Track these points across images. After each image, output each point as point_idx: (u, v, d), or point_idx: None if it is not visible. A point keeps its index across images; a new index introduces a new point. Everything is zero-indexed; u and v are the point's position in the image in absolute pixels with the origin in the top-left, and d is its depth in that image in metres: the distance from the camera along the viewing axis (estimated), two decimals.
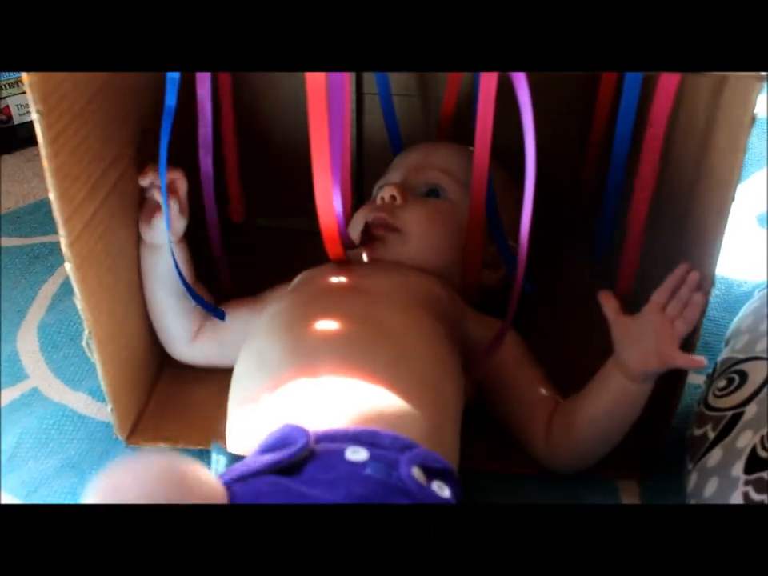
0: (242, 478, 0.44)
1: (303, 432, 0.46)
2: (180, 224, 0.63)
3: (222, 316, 0.66)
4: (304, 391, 0.50)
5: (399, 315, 0.56)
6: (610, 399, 0.57)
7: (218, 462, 0.49)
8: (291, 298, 0.60)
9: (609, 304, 0.56)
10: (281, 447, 0.46)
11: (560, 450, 0.59)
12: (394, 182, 0.68)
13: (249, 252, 0.80)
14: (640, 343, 0.54)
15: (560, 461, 0.60)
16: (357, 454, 0.45)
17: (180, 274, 0.63)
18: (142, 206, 0.62)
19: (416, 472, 0.45)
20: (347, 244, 0.60)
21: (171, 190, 0.61)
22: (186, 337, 0.66)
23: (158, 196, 0.61)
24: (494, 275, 0.68)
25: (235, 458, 0.49)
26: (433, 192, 0.67)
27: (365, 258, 0.64)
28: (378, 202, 0.66)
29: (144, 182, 0.61)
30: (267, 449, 0.46)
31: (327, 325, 0.54)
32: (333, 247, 0.59)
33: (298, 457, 0.45)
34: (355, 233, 0.65)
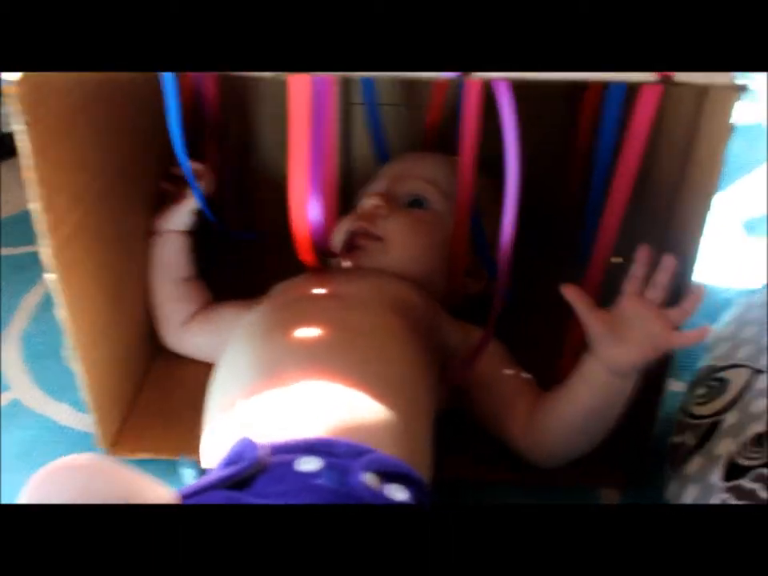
0: (196, 493, 0.45)
1: (253, 446, 0.46)
2: (189, 217, 0.68)
3: (253, 236, 0.73)
4: (271, 400, 0.51)
5: (372, 319, 0.56)
6: (591, 397, 0.55)
7: (186, 475, 0.49)
8: (265, 308, 0.60)
9: (580, 300, 0.54)
10: (236, 462, 0.46)
11: (541, 445, 0.58)
12: (377, 191, 0.68)
13: (235, 262, 0.80)
14: (626, 334, 0.52)
15: (541, 456, 0.59)
16: (308, 464, 0.45)
17: (207, 208, 0.68)
18: (159, 199, 0.68)
19: (368, 477, 0.45)
20: (325, 251, 0.60)
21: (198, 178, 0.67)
22: (179, 321, 0.69)
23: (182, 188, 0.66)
24: (476, 284, 0.68)
25: (203, 472, 0.49)
26: (416, 202, 0.68)
27: (346, 266, 0.65)
28: (360, 210, 0.67)
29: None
30: (224, 463, 0.47)
31: (298, 331, 0.54)
32: (304, 253, 0.59)
33: (248, 472, 0.45)
34: (338, 241, 0.65)
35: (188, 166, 0.64)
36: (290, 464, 0.45)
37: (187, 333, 0.69)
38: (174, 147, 0.62)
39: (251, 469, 0.45)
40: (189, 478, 0.49)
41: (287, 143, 0.53)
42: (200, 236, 0.71)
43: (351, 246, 0.65)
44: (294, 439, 0.47)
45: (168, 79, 0.60)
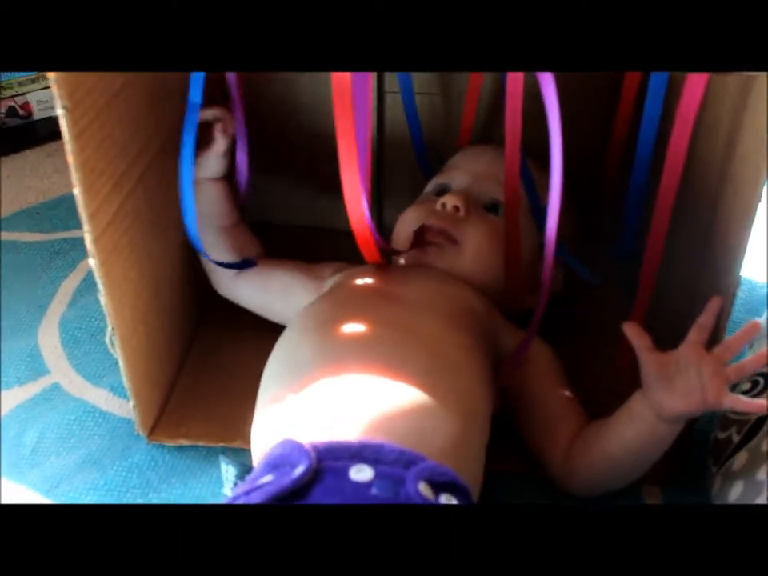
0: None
1: (304, 452, 0.45)
2: (222, 162, 0.66)
3: (250, 265, 0.68)
4: (328, 393, 0.50)
5: (433, 323, 0.55)
6: (636, 437, 0.53)
7: (228, 472, 0.49)
8: (326, 299, 0.60)
9: (639, 340, 0.52)
10: (280, 465, 0.45)
11: (577, 476, 0.57)
12: (459, 192, 0.66)
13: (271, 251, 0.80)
14: (678, 382, 0.50)
15: (575, 486, 0.57)
16: (362, 473, 0.44)
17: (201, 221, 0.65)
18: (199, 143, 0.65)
19: (423, 487, 0.44)
20: (384, 249, 0.59)
21: (220, 128, 0.65)
22: (231, 271, 0.68)
23: (218, 131, 0.65)
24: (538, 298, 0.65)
25: (245, 469, 0.49)
26: (493, 207, 0.66)
27: (409, 259, 0.64)
28: (439, 207, 0.65)
29: (207, 114, 0.63)
30: (268, 466, 0.46)
31: (358, 328, 0.54)
32: (368, 252, 0.58)
33: (302, 482, 0.44)
34: (407, 232, 0.65)
35: (189, 171, 0.61)
36: (344, 473, 0.44)
37: (240, 285, 0.69)
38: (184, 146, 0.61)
39: (306, 478, 0.44)
40: (230, 476, 0.49)
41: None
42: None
43: (423, 242, 0.64)
44: (339, 441, 0.46)
45: (196, 77, 0.59)
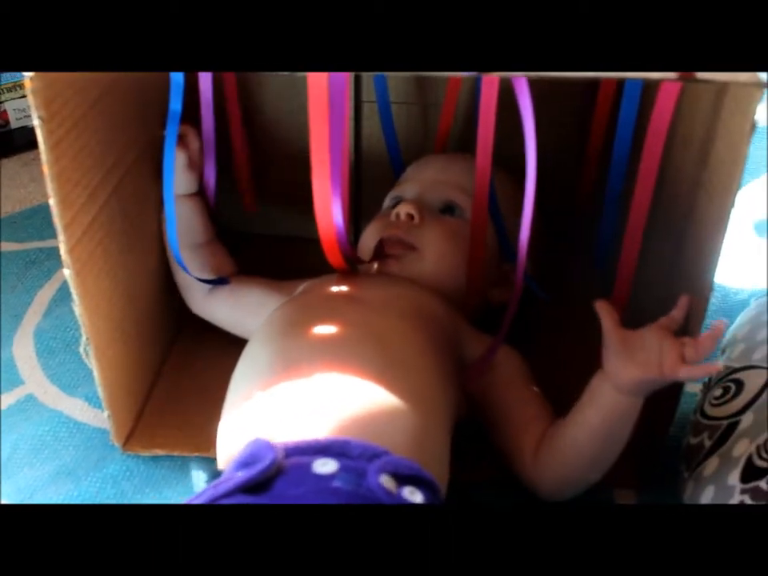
0: (214, 500, 0.44)
1: (270, 448, 0.46)
2: (190, 178, 0.67)
3: (224, 282, 0.68)
4: (286, 397, 0.50)
5: (394, 324, 0.56)
6: (599, 415, 0.54)
7: (198, 477, 0.49)
8: (290, 304, 0.60)
9: (608, 316, 0.54)
10: (250, 463, 0.46)
11: (546, 474, 0.57)
12: (411, 200, 0.67)
13: (251, 260, 0.80)
14: (637, 355, 0.52)
15: (547, 487, 0.57)
16: (325, 467, 0.45)
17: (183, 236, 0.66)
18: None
19: (384, 479, 0.45)
20: (348, 256, 0.60)
21: (182, 144, 0.65)
22: (204, 288, 0.68)
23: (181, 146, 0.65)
24: (503, 294, 0.66)
25: (215, 474, 0.49)
26: (448, 209, 0.67)
27: (375, 271, 0.64)
28: (393, 218, 0.66)
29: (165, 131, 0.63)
30: (238, 465, 0.47)
31: (320, 330, 0.54)
32: (333, 257, 0.59)
33: (265, 475, 0.45)
34: (368, 247, 0.65)
35: (170, 178, 0.62)
36: (307, 466, 0.45)
37: (212, 303, 0.69)
38: (165, 149, 0.61)
39: (269, 471, 0.45)
40: (200, 481, 0.49)
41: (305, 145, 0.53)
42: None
43: (383, 254, 0.65)
44: (307, 439, 0.47)
45: (176, 78, 0.60)
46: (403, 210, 0.65)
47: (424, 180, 0.70)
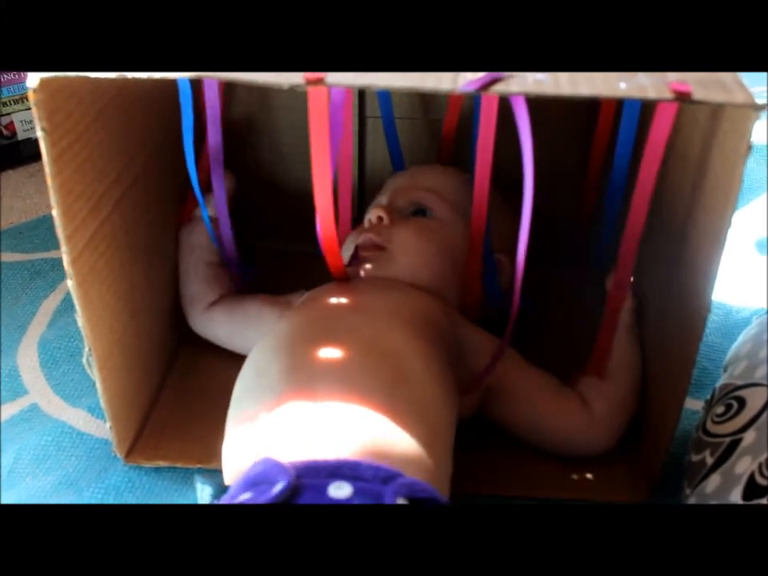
0: None
1: (283, 469, 0.45)
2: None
3: (250, 273, 0.73)
4: (298, 414, 0.50)
5: (397, 336, 0.56)
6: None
7: (203, 491, 0.49)
8: (293, 318, 0.60)
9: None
10: (261, 483, 0.46)
11: (611, 420, 0.62)
12: (380, 204, 0.69)
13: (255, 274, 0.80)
14: None
15: (614, 431, 0.62)
16: (340, 490, 0.44)
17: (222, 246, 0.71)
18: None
19: (401, 503, 0.44)
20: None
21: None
22: (204, 302, 0.71)
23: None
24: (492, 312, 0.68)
25: (220, 489, 0.49)
26: (419, 212, 0.69)
27: (355, 277, 0.65)
28: (366, 224, 0.68)
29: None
30: (247, 483, 0.46)
31: (326, 345, 0.54)
32: (333, 264, 0.60)
33: (281, 498, 0.44)
34: (346, 256, 0.66)
35: (195, 175, 0.65)
36: (323, 489, 0.44)
37: (211, 318, 0.71)
38: (186, 154, 0.63)
39: (285, 495, 0.44)
40: (205, 495, 0.49)
41: (308, 153, 0.53)
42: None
43: (357, 258, 0.66)
44: (317, 460, 0.47)
45: (184, 86, 0.61)
46: (373, 213, 0.67)
47: (393, 188, 0.71)
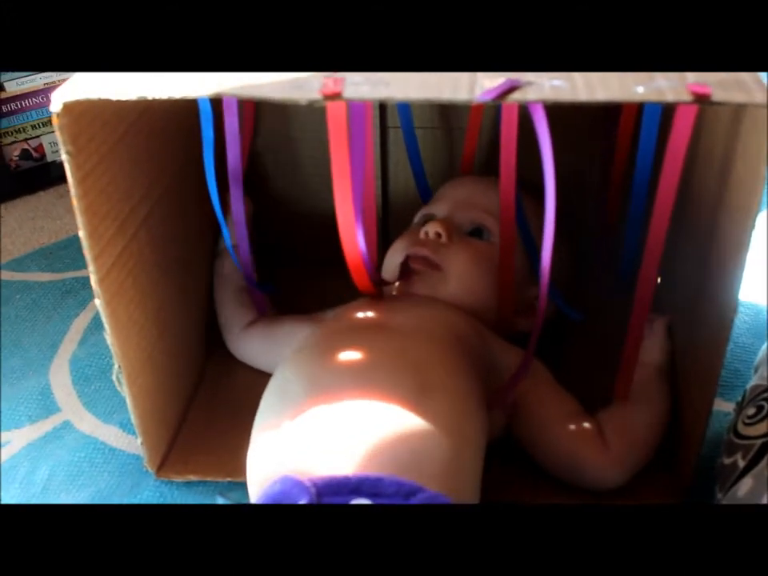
0: None
1: (305, 489, 0.45)
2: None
3: (271, 290, 0.74)
4: (321, 424, 0.50)
5: (422, 347, 0.56)
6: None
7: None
8: (320, 332, 0.60)
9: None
10: (281, 502, 0.46)
11: (625, 457, 0.59)
12: (440, 218, 0.67)
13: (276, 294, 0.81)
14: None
15: (628, 468, 0.59)
16: None
17: (248, 275, 0.72)
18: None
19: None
20: (374, 278, 0.60)
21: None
22: (239, 326, 0.72)
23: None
24: (529, 325, 0.64)
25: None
26: (477, 231, 0.67)
27: (398, 290, 0.65)
28: (422, 236, 0.66)
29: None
30: (267, 502, 0.47)
31: (350, 357, 0.54)
32: (360, 280, 0.59)
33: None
34: (393, 263, 0.66)
35: (216, 196, 0.66)
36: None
37: (246, 338, 0.72)
38: (207, 177, 0.64)
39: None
40: None
41: (329, 169, 0.54)
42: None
43: (408, 271, 0.65)
44: (338, 476, 0.46)
45: (205, 107, 0.62)
46: (432, 228, 0.65)
47: (455, 200, 0.69)
